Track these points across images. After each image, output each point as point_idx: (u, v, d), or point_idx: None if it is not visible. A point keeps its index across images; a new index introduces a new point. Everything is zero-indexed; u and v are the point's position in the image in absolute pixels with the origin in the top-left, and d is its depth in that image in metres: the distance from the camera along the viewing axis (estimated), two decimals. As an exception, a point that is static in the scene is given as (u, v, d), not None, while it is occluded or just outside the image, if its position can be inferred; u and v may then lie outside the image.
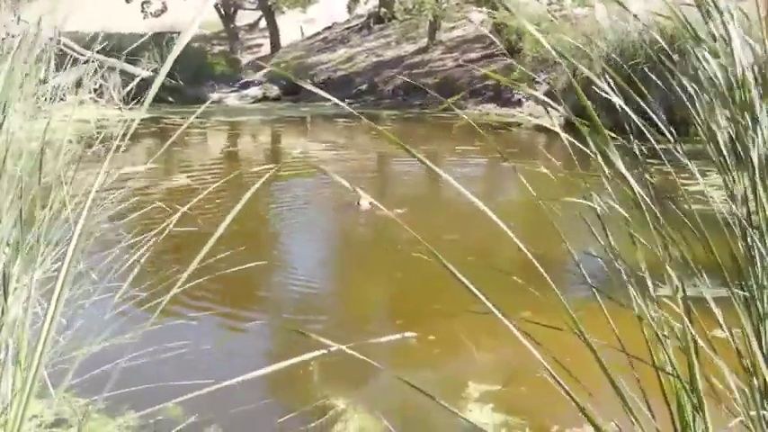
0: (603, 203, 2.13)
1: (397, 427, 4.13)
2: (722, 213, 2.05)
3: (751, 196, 1.94)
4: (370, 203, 9.24)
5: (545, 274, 1.96)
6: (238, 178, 10.47)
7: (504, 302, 1.95)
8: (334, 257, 8.43)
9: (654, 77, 2.43)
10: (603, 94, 2.05)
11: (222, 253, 3.52)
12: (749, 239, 1.94)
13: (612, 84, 1.93)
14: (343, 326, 5.85)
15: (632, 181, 1.73)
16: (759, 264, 1.93)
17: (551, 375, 1.98)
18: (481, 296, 1.74)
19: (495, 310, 1.77)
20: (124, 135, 1.98)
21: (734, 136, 1.95)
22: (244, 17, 36.15)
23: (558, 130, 2.15)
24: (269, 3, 32.91)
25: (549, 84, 18.91)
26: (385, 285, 6.93)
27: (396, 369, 4.62)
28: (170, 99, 23.84)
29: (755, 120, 1.88)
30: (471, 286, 1.73)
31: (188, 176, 11.78)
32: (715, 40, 1.96)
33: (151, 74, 17.26)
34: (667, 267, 1.91)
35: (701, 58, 1.96)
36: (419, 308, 6.07)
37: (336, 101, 1.94)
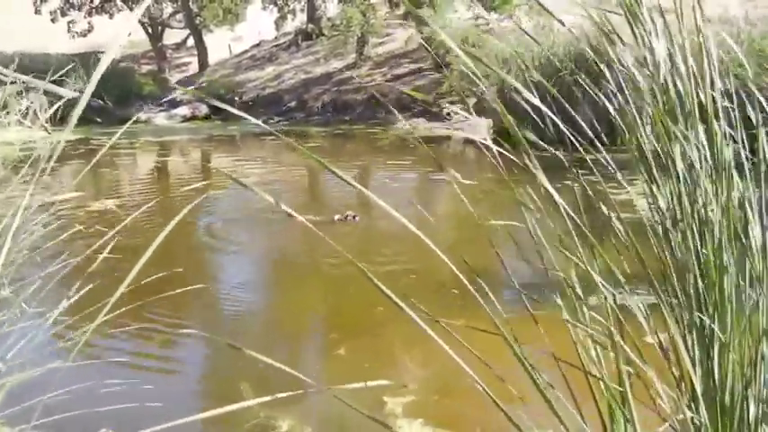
0: (535, 214, 2.14)
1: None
2: (649, 221, 2.07)
3: (676, 205, 1.97)
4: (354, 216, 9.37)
5: (470, 286, 1.97)
6: (168, 198, 10.39)
7: (441, 315, 1.95)
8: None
9: (584, 87, 2.44)
10: (528, 108, 2.06)
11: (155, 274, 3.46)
12: (675, 247, 1.96)
13: (538, 95, 1.95)
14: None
15: (554, 192, 1.74)
16: (684, 271, 1.95)
17: (480, 384, 1.98)
18: (404, 305, 1.73)
19: (416, 317, 1.76)
20: (50, 157, 1.94)
21: (659, 145, 1.98)
22: (171, 36, 35.94)
23: (484, 141, 2.15)
24: (196, 21, 32.76)
25: (477, 97, 19.05)
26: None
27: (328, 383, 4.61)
28: (98, 119, 23.57)
29: (678, 128, 1.91)
30: (396, 299, 1.72)
31: (117, 198, 11.64)
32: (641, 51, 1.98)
33: (77, 94, 17.05)
34: (595, 276, 1.93)
35: (626, 67, 1.99)
36: (352, 321, 6.06)
37: (259, 122, 1.90)
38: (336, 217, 9.43)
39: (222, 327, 6.35)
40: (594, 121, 2.32)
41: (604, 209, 2.09)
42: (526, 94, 1.92)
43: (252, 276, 8.32)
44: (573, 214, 1.86)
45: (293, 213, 1.70)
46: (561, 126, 1.97)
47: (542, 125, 1.96)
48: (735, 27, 10.92)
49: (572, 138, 2.08)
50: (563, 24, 2.31)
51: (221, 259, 8.78)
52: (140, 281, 1.63)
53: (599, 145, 2.12)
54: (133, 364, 5.22)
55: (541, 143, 2.05)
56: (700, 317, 1.92)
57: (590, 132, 2.11)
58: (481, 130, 17.31)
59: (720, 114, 1.93)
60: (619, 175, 2.21)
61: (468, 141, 17.08)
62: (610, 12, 2.17)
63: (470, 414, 4.29)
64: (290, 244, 8.95)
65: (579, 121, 2.06)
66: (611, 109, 2.17)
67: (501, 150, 2.08)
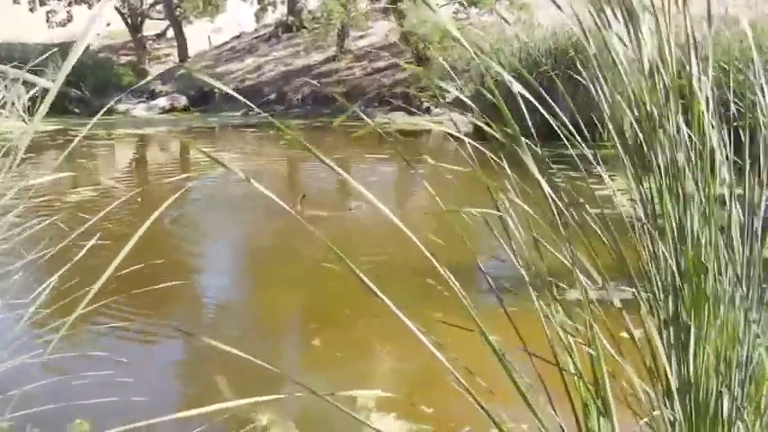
0: (511, 208, 2.14)
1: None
2: (629, 217, 2.07)
3: (657, 200, 1.96)
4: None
5: (451, 279, 1.96)
6: (148, 189, 10.35)
7: (416, 310, 1.95)
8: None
9: (563, 81, 2.44)
10: (506, 101, 2.05)
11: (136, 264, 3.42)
12: (654, 243, 1.96)
13: (519, 89, 1.94)
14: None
15: (543, 183, 1.74)
16: (663, 267, 1.95)
17: (456, 379, 1.97)
18: (384, 298, 1.72)
19: (396, 310, 1.76)
20: (21, 145, 1.92)
21: (641, 140, 1.98)
22: (151, 27, 35.79)
23: (462, 136, 2.15)
24: (176, 12, 32.64)
25: (456, 91, 18.99)
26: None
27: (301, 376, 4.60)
28: (76, 110, 23.49)
29: (662, 123, 1.90)
30: (375, 288, 1.71)
31: (94, 188, 11.58)
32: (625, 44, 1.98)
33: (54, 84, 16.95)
34: (574, 270, 1.93)
35: (613, 59, 1.98)
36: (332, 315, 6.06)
37: (266, 113, 1.89)
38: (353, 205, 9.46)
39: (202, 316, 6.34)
40: (575, 115, 2.31)
41: (582, 204, 2.09)
42: (511, 81, 1.91)
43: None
44: (557, 205, 1.86)
45: (285, 207, 1.69)
46: (550, 119, 1.97)
47: (526, 119, 1.95)
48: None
49: (560, 131, 2.07)
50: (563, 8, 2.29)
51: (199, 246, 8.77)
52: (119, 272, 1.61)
53: (578, 139, 2.11)
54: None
55: (522, 138, 2.04)
56: (676, 312, 1.92)
57: (570, 127, 2.10)
58: (461, 124, 17.26)
59: (706, 107, 1.93)
60: (599, 170, 2.21)
61: (448, 135, 16.99)
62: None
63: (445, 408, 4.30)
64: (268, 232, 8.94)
65: (560, 115, 2.05)
66: (591, 103, 2.17)
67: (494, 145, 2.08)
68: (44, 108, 1.41)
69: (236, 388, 4.56)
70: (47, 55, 4.13)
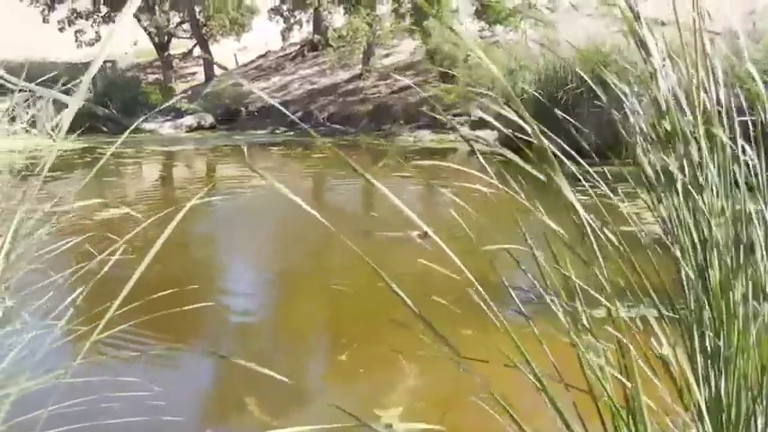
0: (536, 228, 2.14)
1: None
2: (650, 237, 2.07)
3: (677, 218, 1.96)
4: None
5: (479, 298, 1.96)
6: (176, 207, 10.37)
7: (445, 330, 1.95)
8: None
9: (588, 99, 2.43)
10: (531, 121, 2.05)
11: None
12: (679, 262, 1.95)
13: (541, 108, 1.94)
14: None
15: (578, 206, 1.73)
16: (687, 287, 1.94)
17: (490, 403, 1.97)
18: (421, 316, 1.73)
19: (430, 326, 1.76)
20: (44, 165, 1.93)
21: (660, 162, 1.97)
22: (178, 45, 36.03)
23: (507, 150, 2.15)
24: (202, 31, 32.85)
25: (482, 109, 19.05)
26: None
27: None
28: (104, 128, 23.67)
29: (681, 146, 1.90)
30: (412, 305, 1.72)
31: (123, 207, 11.62)
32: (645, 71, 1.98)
33: (84, 103, 17.10)
34: (605, 291, 1.92)
35: (630, 86, 1.99)
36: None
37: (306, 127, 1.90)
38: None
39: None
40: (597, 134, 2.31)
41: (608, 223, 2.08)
42: (548, 105, 1.91)
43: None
44: (589, 224, 1.85)
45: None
46: (577, 137, 1.96)
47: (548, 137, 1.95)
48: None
49: (588, 149, 2.07)
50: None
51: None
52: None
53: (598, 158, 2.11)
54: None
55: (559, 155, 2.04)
56: (703, 332, 1.91)
57: (592, 145, 2.10)
58: (487, 142, 17.28)
59: (724, 127, 1.92)
60: (621, 188, 2.20)
61: (473, 153, 17.04)
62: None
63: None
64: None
65: (584, 133, 2.05)
66: (615, 124, 2.16)
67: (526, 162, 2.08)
68: (66, 123, 1.42)
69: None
70: (74, 75, 4.15)
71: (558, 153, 1.89)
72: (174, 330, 5.80)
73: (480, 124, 17.55)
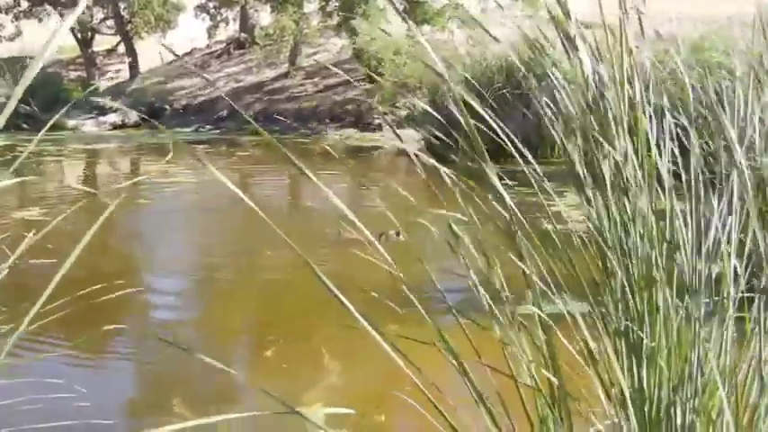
0: (464, 224, 2.17)
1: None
2: (581, 232, 2.11)
3: (605, 215, 2.01)
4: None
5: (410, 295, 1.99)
6: (98, 206, 10.25)
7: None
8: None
9: (515, 99, 2.47)
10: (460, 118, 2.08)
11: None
12: (605, 257, 2.01)
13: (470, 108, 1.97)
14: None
15: (507, 198, 1.77)
16: (615, 281, 2.00)
17: (414, 391, 1.99)
18: (352, 308, 1.75)
19: (362, 320, 1.78)
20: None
21: (587, 158, 2.02)
22: (102, 42, 35.50)
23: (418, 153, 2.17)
24: (127, 28, 32.45)
25: (408, 108, 19.15)
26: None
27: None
28: (24, 126, 23.25)
29: (608, 142, 1.95)
30: (345, 300, 1.74)
31: (40, 207, 11.43)
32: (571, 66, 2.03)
33: (2, 100, 16.81)
34: (532, 282, 1.96)
35: (557, 83, 2.03)
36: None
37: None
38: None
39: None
40: (523, 132, 2.35)
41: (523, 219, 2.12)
42: (472, 101, 1.94)
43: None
44: (512, 220, 1.89)
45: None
46: (510, 136, 2.00)
47: (474, 136, 1.98)
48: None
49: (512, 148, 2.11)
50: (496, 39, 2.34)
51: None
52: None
53: (528, 156, 2.15)
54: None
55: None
56: (628, 325, 1.96)
57: (519, 144, 2.14)
58: (412, 141, 17.45)
59: (649, 127, 1.98)
60: (548, 186, 2.25)
61: (400, 152, 17.22)
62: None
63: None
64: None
65: (509, 133, 2.09)
66: (542, 121, 2.21)
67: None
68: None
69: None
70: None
71: (483, 152, 1.93)
72: (96, 329, 5.75)
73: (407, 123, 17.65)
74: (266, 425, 4.16)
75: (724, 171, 2.08)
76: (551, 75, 2.05)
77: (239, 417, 1.75)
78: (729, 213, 2.08)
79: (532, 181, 2.23)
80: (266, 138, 1.83)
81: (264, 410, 3.06)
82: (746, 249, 2.09)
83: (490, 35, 2.03)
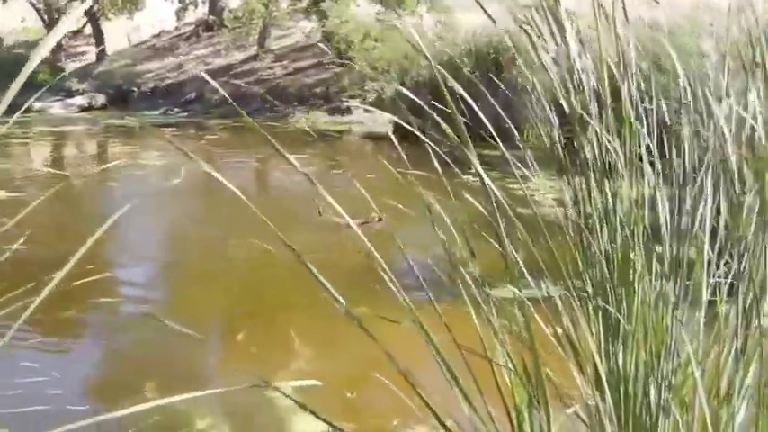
0: (443, 209, 2.19)
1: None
2: (558, 217, 2.13)
3: (586, 198, 2.03)
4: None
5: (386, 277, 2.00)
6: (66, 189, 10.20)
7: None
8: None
9: (486, 83, 2.48)
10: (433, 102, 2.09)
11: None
12: (584, 241, 2.03)
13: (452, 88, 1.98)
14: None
15: (488, 181, 1.78)
16: (594, 264, 2.02)
17: (391, 373, 2.01)
18: (329, 286, 1.76)
19: (340, 299, 1.79)
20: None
21: (565, 141, 2.04)
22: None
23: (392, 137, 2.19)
24: (94, 9, 32.16)
25: (378, 92, 19.16)
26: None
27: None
28: (-9, 109, 23.01)
29: (590, 124, 1.97)
30: (321, 278, 1.75)
31: (7, 190, 11.32)
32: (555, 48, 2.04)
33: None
34: (510, 264, 1.98)
35: (543, 63, 2.04)
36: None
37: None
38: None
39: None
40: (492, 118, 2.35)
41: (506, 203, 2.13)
42: (453, 83, 1.95)
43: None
44: (497, 202, 1.90)
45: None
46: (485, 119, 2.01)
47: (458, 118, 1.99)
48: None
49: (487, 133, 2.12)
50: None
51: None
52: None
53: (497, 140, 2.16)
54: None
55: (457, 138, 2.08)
56: (605, 306, 1.99)
57: (490, 128, 2.15)
58: (381, 124, 17.47)
59: (632, 111, 1.99)
60: (519, 172, 2.26)
61: (367, 136, 17.26)
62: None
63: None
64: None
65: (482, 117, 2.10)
66: (516, 105, 2.22)
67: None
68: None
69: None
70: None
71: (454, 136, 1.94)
72: (64, 317, 5.74)
73: (376, 106, 17.66)
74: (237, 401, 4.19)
75: (709, 158, 2.10)
76: (539, 57, 2.06)
77: (212, 393, 1.74)
78: (703, 199, 2.11)
79: (509, 164, 2.24)
80: (248, 122, 1.81)
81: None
82: (718, 235, 2.12)
83: (487, 14, 2.02)
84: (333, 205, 1.78)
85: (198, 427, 4.11)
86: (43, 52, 1.36)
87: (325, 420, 2.01)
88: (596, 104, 1.98)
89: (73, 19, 1.34)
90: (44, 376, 4.46)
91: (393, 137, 2.25)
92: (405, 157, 2.28)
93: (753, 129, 2.06)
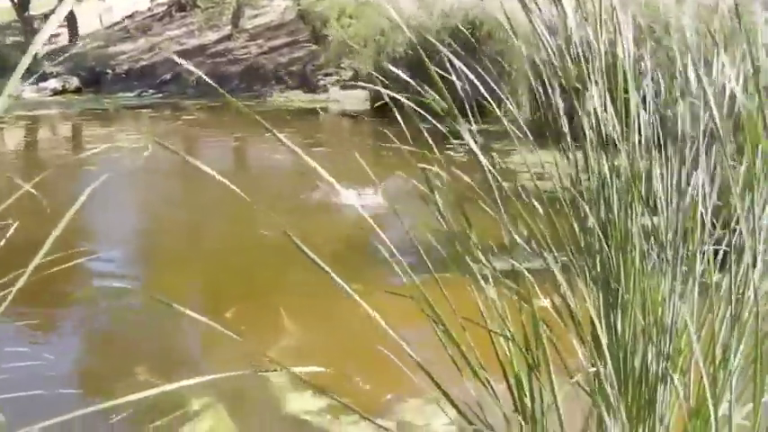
0: (436, 182, 2.20)
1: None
2: (556, 190, 2.16)
3: (584, 171, 2.05)
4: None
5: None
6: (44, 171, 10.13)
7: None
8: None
9: (464, 58, 2.47)
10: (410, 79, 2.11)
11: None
12: (583, 212, 2.05)
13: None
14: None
15: (480, 155, 1.80)
16: (591, 234, 2.05)
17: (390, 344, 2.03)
18: (323, 264, 1.78)
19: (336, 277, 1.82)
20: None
21: (563, 112, 2.06)
22: (39, 5, 34.83)
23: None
24: (65, -10, 31.83)
25: (354, 69, 19.13)
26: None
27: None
28: (-36, 93, 22.78)
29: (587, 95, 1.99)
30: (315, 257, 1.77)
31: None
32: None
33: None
34: (509, 235, 2.00)
35: (538, 34, 2.06)
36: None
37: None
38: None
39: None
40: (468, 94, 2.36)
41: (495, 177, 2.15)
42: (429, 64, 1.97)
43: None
44: (492, 176, 1.92)
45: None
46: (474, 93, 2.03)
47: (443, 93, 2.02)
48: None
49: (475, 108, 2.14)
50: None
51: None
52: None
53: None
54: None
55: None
56: (605, 277, 2.02)
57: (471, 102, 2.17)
58: (358, 102, 17.45)
59: (631, 83, 2.01)
60: (516, 143, 2.28)
61: (344, 114, 17.24)
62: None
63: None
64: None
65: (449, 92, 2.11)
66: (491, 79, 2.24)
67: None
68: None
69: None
70: None
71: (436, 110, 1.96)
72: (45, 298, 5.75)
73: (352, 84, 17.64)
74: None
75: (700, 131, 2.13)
76: (536, 29, 2.07)
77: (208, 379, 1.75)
78: (696, 170, 2.13)
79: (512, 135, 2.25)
80: (233, 102, 1.82)
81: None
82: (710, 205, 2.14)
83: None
84: (329, 180, 1.78)
85: (193, 408, 4.14)
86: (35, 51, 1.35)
87: (332, 396, 2.03)
88: (593, 75, 2.00)
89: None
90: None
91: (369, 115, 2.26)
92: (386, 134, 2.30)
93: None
